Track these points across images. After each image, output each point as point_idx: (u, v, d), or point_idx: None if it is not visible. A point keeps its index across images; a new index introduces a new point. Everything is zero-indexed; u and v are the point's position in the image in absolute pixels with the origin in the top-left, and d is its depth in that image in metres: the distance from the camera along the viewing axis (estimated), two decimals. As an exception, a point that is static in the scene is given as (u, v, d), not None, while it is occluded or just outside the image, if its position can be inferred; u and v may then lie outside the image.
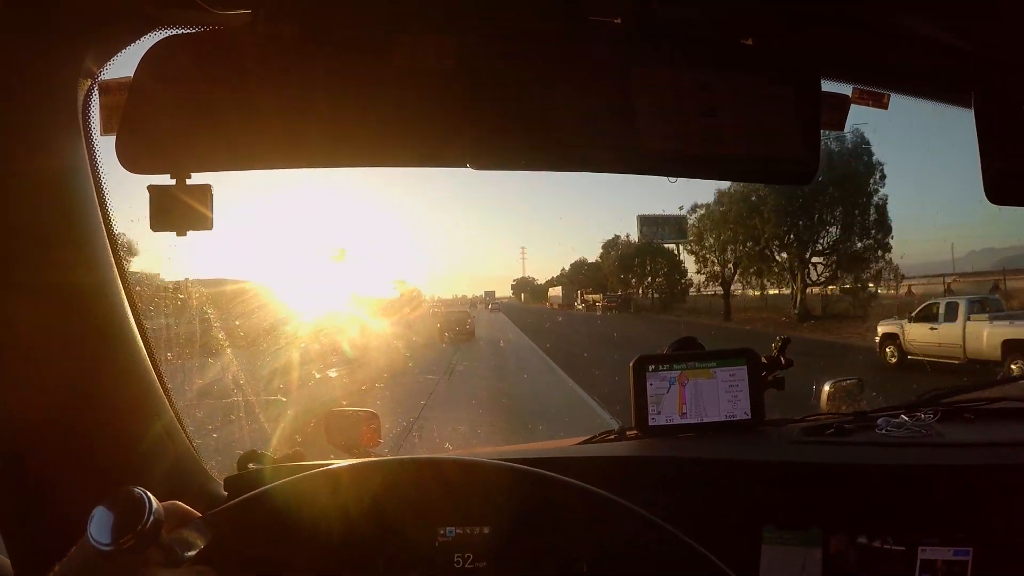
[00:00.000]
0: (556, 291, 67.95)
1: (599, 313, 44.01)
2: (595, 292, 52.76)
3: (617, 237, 50.30)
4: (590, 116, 0.92)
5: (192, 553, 0.73)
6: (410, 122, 0.89)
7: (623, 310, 42.89)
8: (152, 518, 0.67)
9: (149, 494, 0.69)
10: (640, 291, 47.80)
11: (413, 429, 8.43)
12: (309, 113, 0.90)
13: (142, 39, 0.94)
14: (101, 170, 1.00)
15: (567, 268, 72.37)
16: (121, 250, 1.02)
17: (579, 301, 57.01)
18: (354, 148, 0.90)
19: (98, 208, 0.98)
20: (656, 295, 44.75)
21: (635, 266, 46.11)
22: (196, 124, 0.91)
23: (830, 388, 1.51)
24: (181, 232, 0.94)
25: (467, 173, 0.91)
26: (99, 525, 0.66)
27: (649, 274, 45.84)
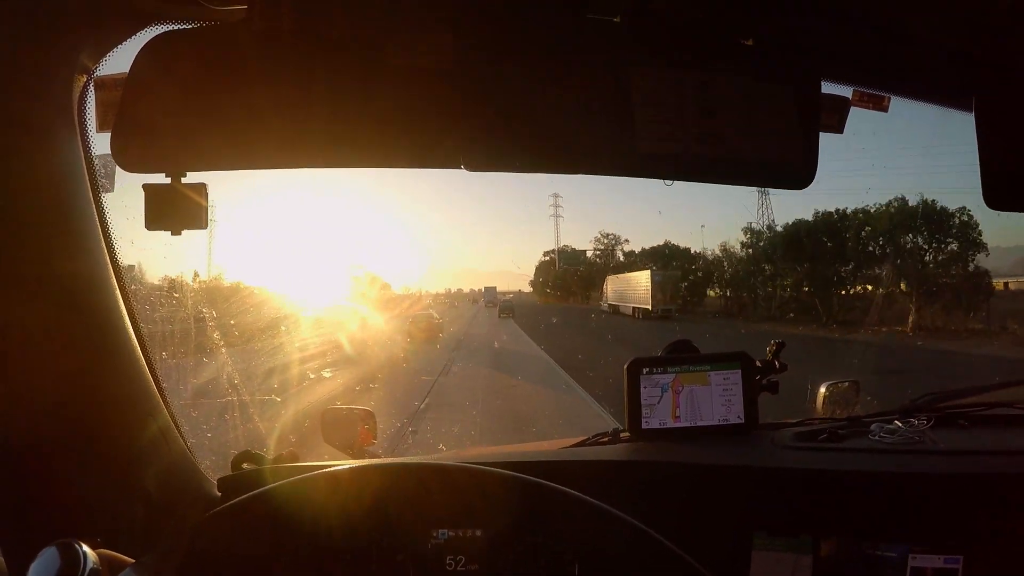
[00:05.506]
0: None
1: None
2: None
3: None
4: (586, 116, 0.91)
5: None
6: (404, 122, 0.88)
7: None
8: (88, 569, 0.69)
9: (84, 546, 0.70)
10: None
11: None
12: (303, 112, 0.89)
13: (138, 35, 0.94)
14: (97, 167, 1.00)
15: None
16: (116, 248, 1.02)
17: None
18: (348, 148, 0.90)
19: (93, 206, 0.97)
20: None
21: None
22: (191, 122, 0.91)
23: (826, 391, 1.51)
24: (176, 231, 0.94)
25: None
26: None
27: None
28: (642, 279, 32.86)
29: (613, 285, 38.35)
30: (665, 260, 36.84)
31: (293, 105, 0.90)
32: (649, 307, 30.84)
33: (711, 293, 35.40)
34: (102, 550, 0.75)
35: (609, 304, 37.89)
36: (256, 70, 0.90)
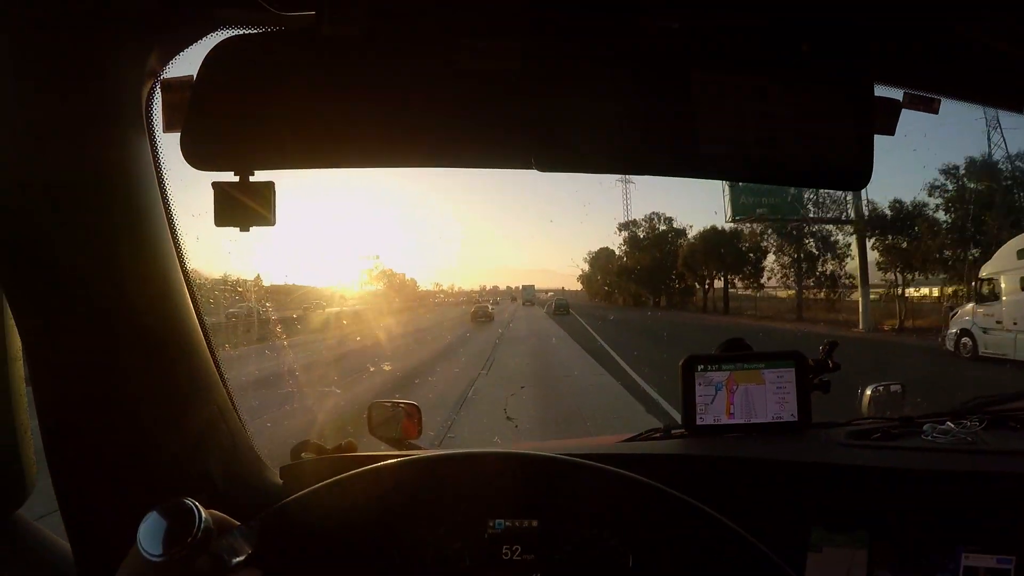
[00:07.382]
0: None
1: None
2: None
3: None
4: (650, 119, 0.93)
5: (239, 559, 0.74)
6: (474, 124, 0.90)
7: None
8: (203, 527, 0.68)
9: (198, 504, 0.70)
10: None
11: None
12: (371, 114, 0.91)
13: (205, 39, 0.96)
14: (163, 166, 1.03)
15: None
16: (183, 245, 1.05)
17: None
18: (418, 149, 0.92)
19: (161, 203, 1.00)
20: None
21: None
22: (259, 123, 0.93)
23: (872, 392, 1.50)
24: (244, 228, 0.96)
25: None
26: (149, 536, 0.67)
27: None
28: None
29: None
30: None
31: (360, 107, 0.92)
32: None
33: None
34: (211, 510, 0.75)
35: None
36: (323, 73, 0.93)
